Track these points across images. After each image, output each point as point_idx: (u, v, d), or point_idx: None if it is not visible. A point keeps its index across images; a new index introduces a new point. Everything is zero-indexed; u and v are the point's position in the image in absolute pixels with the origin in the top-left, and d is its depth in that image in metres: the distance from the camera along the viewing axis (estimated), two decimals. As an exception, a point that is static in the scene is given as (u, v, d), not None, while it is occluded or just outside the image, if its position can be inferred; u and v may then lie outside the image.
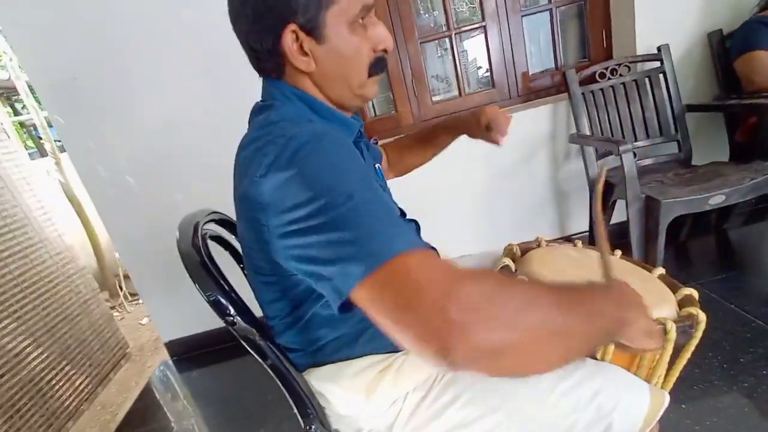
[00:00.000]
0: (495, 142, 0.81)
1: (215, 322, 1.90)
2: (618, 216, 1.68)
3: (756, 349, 1.20)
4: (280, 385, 0.60)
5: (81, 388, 1.73)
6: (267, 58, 0.56)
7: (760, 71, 1.48)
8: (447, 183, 1.83)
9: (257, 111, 0.60)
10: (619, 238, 1.77)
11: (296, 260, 0.44)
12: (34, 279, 1.66)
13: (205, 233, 0.67)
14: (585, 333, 0.39)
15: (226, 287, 0.56)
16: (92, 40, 1.55)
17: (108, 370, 1.91)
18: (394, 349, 0.60)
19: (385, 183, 0.73)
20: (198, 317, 1.91)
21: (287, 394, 0.59)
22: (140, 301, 2.88)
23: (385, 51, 0.58)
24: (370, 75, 0.58)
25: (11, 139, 1.84)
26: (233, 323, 0.56)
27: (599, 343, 0.43)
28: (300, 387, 0.57)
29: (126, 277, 2.95)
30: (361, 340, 0.59)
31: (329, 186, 0.41)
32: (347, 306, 0.40)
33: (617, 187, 1.54)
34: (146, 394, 1.76)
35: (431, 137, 0.91)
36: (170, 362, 1.97)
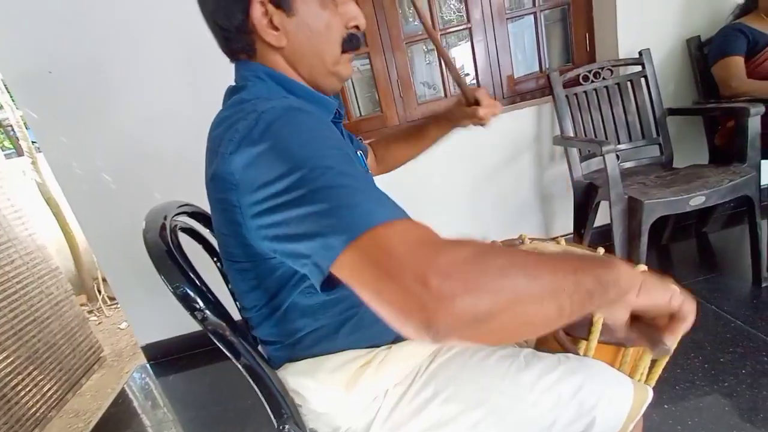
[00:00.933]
0: (481, 120, 0.76)
1: (193, 326, 1.87)
2: (601, 218, 1.69)
3: (735, 349, 1.22)
4: (251, 382, 0.57)
5: (50, 394, 1.65)
6: (236, 37, 0.54)
7: (736, 76, 1.52)
8: (432, 182, 1.82)
9: (229, 93, 0.58)
10: (602, 240, 1.79)
11: (272, 240, 0.42)
12: (1, 279, 1.58)
13: (175, 225, 0.64)
14: (574, 292, 0.35)
15: (195, 279, 0.53)
16: (69, 32, 1.50)
17: (80, 375, 1.83)
18: (376, 343, 0.58)
19: (368, 171, 0.71)
20: (175, 320, 1.85)
21: (259, 392, 0.55)
22: (119, 305, 2.79)
23: (357, 28, 0.57)
24: (343, 51, 0.57)
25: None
26: (203, 318, 0.53)
27: (595, 306, 0.36)
28: (273, 384, 0.55)
29: (105, 280, 2.87)
30: (342, 331, 0.56)
31: (305, 157, 0.39)
32: (330, 283, 0.38)
33: (601, 188, 1.55)
34: (121, 399, 1.70)
35: (421, 130, 0.88)
36: (147, 366, 1.90)
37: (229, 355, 0.56)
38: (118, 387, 1.80)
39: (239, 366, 0.57)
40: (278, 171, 0.39)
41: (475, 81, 1.92)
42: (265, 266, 0.51)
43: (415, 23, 2.21)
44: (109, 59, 1.54)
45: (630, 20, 1.71)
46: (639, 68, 1.67)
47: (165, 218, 0.61)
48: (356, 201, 0.36)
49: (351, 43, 0.57)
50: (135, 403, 1.68)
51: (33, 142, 2.60)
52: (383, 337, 0.58)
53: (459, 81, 0.76)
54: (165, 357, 1.92)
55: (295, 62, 0.56)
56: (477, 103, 0.75)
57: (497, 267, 0.32)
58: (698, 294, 1.47)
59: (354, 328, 0.56)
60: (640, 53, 1.66)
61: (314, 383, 0.55)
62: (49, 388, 1.65)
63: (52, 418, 1.62)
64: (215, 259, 0.74)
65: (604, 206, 1.60)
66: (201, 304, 0.52)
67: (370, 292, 0.33)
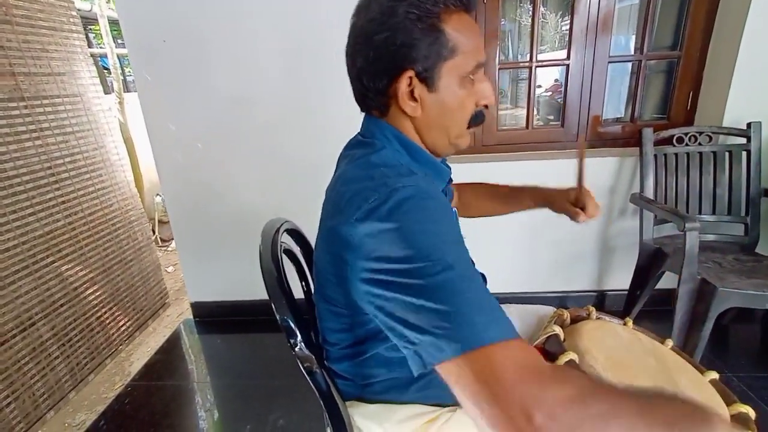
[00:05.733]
0: (576, 218, 0.80)
1: (241, 295, 2.02)
2: (663, 283, 1.63)
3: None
4: (323, 406, 0.65)
5: (123, 329, 1.89)
6: (375, 97, 0.58)
7: None
8: (492, 218, 1.82)
9: (355, 145, 0.63)
10: (656, 305, 1.72)
11: (378, 309, 0.46)
12: (101, 220, 1.80)
13: (281, 245, 0.72)
14: None
15: (298, 313, 0.61)
16: (187, 7, 1.63)
17: (147, 317, 2.06)
18: (442, 402, 0.63)
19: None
20: (227, 287, 2.02)
21: (329, 419, 0.64)
22: (170, 248, 3.05)
23: (485, 106, 0.61)
24: (468, 127, 0.61)
25: (100, 85, 1.97)
26: (295, 346, 0.61)
27: None
28: (344, 417, 0.62)
29: (160, 222, 3.13)
30: (413, 386, 0.61)
31: (428, 250, 0.42)
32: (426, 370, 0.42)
33: (670, 258, 1.50)
34: (166, 349, 1.86)
35: (516, 197, 0.91)
36: (193, 323, 2.07)
37: (308, 379, 0.64)
38: (159, 328, 1.99)
39: (315, 390, 0.65)
40: (400, 252, 0.42)
41: (561, 112, 1.88)
42: (359, 317, 0.56)
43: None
44: (215, 38, 1.67)
45: (745, 87, 1.59)
46: (743, 141, 1.57)
47: (275, 237, 0.70)
48: (473, 311, 0.39)
49: (477, 120, 0.61)
50: (178, 357, 1.82)
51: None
52: (450, 398, 0.63)
53: (581, 190, 0.80)
54: (211, 317, 2.07)
55: (421, 131, 0.60)
56: (583, 206, 0.79)
57: (599, 415, 0.33)
58: (756, 393, 1.37)
59: (425, 386, 0.61)
60: (748, 125, 1.55)
61: (381, 430, 0.62)
62: (123, 324, 1.88)
63: (121, 351, 1.86)
64: (303, 282, 0.82)
65: (668, 275, 1.55)
66: (299, 337, 0.60)
67: (471, 403, 0.36)
